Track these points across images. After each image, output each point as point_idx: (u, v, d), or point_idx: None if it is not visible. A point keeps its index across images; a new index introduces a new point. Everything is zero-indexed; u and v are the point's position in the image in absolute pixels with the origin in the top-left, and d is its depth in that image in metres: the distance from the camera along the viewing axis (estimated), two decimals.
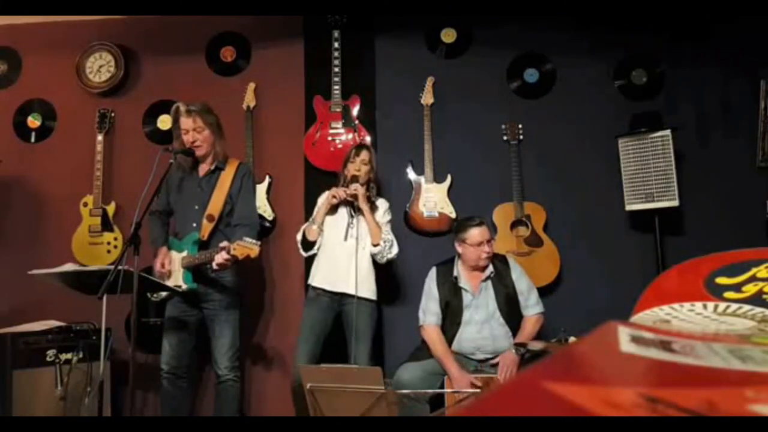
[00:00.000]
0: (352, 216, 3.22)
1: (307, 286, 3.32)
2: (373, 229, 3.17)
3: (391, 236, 3.23)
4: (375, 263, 3.25)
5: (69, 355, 3.23)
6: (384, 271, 3.78)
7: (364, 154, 3.28)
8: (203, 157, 3.13)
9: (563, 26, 3.86)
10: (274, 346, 3.82)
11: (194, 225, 3.10)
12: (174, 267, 3.05)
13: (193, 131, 3.07)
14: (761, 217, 3.67)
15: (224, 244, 2.90)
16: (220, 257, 2.87)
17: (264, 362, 3.81)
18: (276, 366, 3.79)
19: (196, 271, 3.06)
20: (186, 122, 3.06)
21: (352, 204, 3.21)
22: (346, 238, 3.18)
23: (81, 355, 3.24)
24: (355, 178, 3.21)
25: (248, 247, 2.83)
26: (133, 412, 2.67)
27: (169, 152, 2.99)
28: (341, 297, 3.18)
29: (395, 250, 3.24)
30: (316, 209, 3.30)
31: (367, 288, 3.19)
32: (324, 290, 3.20)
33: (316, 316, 3.20)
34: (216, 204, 3.10)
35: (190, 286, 3.02)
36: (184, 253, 3.06)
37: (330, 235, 3.22)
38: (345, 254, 3.17)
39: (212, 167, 3.16)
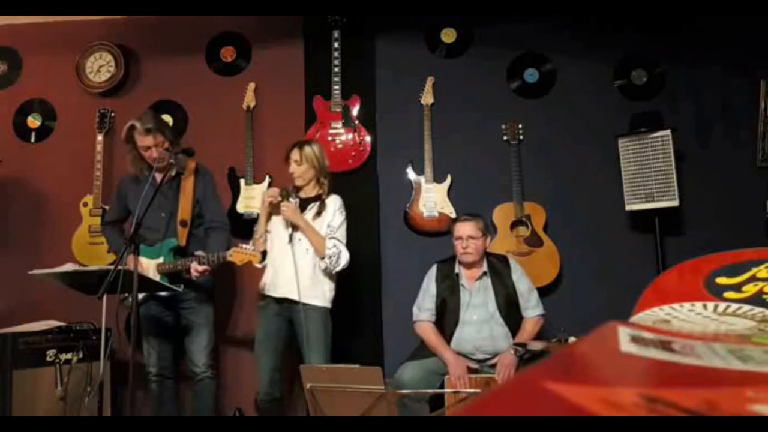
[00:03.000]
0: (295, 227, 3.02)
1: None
2: (314, 242, 2.96)
3: (337, 248, 2.97)
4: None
5: (69, 355, 3.23)
6: (384, 271, 3.80)
7: (296, 154, 3.05)
8: (164, 166, 3.06)
9: (563, 26, 3.86)
10: None
11: (164, 232, 3.11)
12: (149, 273, 3.05)
13: (155, 147, 3.03)
14: (761, 217, 3.66)
15: (200, 253, 2.97)
16: (198, 268, 2.94)
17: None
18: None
19: (171, 274, 3.09)
20: (146, 140, 3.02)
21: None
22: (290, 241, 2.98)
23: (81, 355, 3.25)
24: (295, 188, 3.04)
25: (248, 254, 2.87)
26: (133, 412, 2.67)
27: (167, 153, 2.99)
28: (288, 304, 3.00)
29: (343, 261, 2.99)
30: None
31: (315, 294, 2.99)
32: (272, 297, 3.04)
33: (268, 326, 3.05)
34: (185, 209, 3.13)
35: (177, 287, 3.04)
36: (160, 260, 3.08)
37: (275, 238, 3.06)
38: (289, 258, 2.95)
39: (173, 173, 3.15)
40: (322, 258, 2.96)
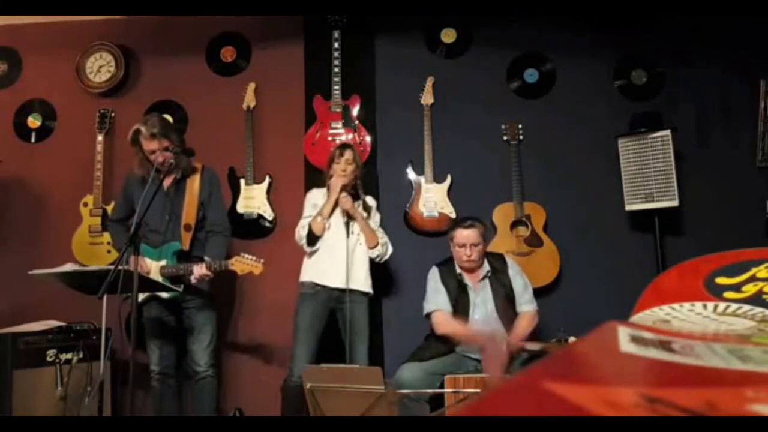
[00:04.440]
0: (349, 216, 3.21)
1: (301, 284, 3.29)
2: (368, 234, 3.19)
3: (385, 238, 3.26)
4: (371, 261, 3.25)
5: (69, 355, 3.23)
6: (384, 271, 3.79)
7: (349, 153, 3.22)
8: (168, 168, 3.06)
9: (563, 26, 3.86)
10: (274, 345, 3.81)
11: (167, 234, 3.12)
12: (151, 274, 3.06)
13: (161, 151, 3.03)
14: (761, 217, 3.66)
15: (204, 259, 3.01)
16: (200, 273, 2.97)
17: (262, 361, 3.81)
18: (278, 365, 3.79)
19: (173, 277, 3.11)
20: (151, 144, 3.03)
21: (347, 213, 3.19)
22: (348, 235, 3.17)
23: (81, 355, 3.25)
24: (344, 187, 3.16)
25: (249, 264, 2.92)
26: (133, 412, 2.67)
27: (169, 153, 2.99)
28: (339, 293, 3.16)
29: (391, 250, 3.28)
30: (309, 206, 3.28)
31: (365, 283, 3.22)
32: (322, 286, 3.19)
33: (314, 313, 3.18)
34: (190, 213, 3.15)
35: (177, 287, 3.05)
36: (163, 263, 3.10)
37: (329, 232, 3.20)
38: (345, 251, 3.15)
39: (178, 176, 3.16)
40: (373, 247, 3.19)
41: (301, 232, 3.22)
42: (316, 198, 3.29)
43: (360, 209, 3.22)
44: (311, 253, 3.23)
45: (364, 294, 3.21)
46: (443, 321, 3.06)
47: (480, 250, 3.06)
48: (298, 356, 3.13)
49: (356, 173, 3.24)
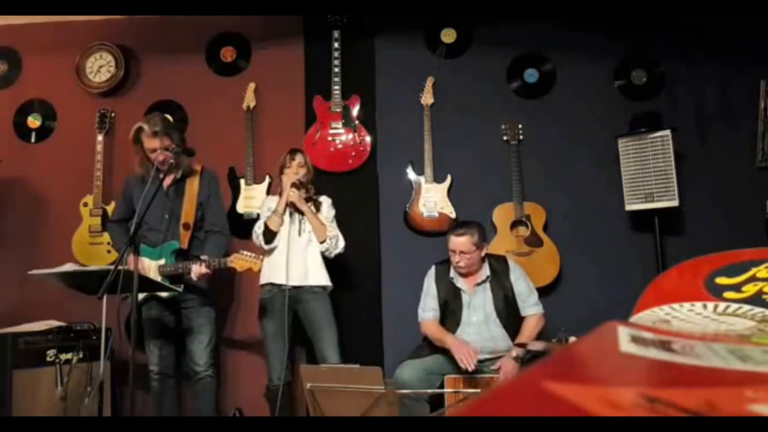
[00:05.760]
0: (301, 213, 3.28)
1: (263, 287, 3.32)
2: (317, 228, 3.25)
3: (335, 232, 3.31)
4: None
5: (69, 355, 3.23)
6: (384, 271, 3.79)
7: (299, 157, 3.34)
8: (169, 168, 3.09)
9: (563, 26, 3.86)
10: None
11: (166, 234, 3.13)
12: (150, 274, 3.06)
13: (162, 150, 3.04)
14: (761, 217, 3.66)
15: (202, 257, 3.00)
16: (199, 271, 2.97)
17: (262, 361, 3.80)
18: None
19: (172, 276, 3.11)
20: (153, 142, 3.04)
21: (295, 206, 3.27)
22: (300, 234, 3.25)
23: (81, 355, 3.25)
24: (294, 185, 3.25)
25: (248, 261, 2.93)
26: (133, 412, 2.67)
27: (170, 152, 3.00)
28: (294, 291, 3.18)
29: (341, 244, 3.30)
30: (265, 209, 3.35)
31: (319, 277, 3.26)
32: (277, 286, 3.21)
33: (274, 316, 3.22)
34: (189, 212, 3.15)
35: (177, 287, 3.05)
36: (161, 262, 3.10)
37: (283, 232, 3.25)
38: (299, 249, 3.23)
39: (178, 176, 3.17)
40: (322, 242, 3.24)
41: (257, 230, 3.29)
42: (270, 202, 3.38)
43: (311, 206, 3.29)
44: (268, 252, 3.27)
45: (322, 287, 3.25)
46: (428, 330, 3.11)
47: (470, 258, 3.01)
48: (271, 361, 3.23)
49: (308, 176, 3.32)
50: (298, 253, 3.22)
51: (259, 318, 3.31)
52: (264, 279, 3.27)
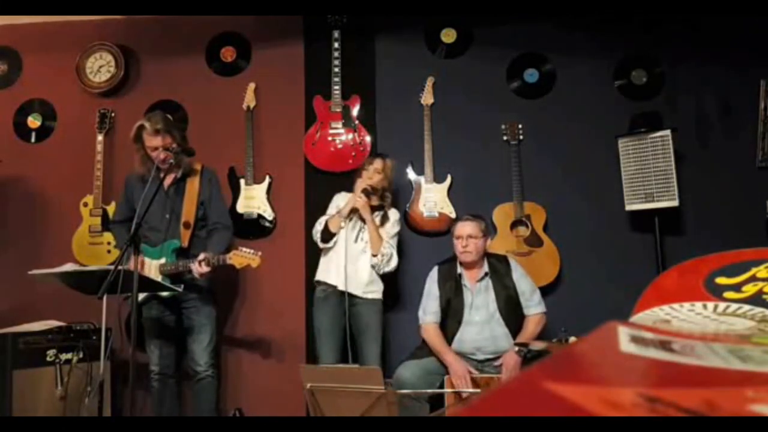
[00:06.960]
0: (364, 221, 3.25)
1: (311, 285, 3.34)
2: (373, 240, 3.21)
3: (391, 250, 3.25)
4: None
5: (69, 355, 3.23)
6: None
7: (377, 163, 3.31)
8: (169, 167, 3.10)
9: (563, 26, 3.86)
10: (274, 345, 3.81)
11: (167, 233, 3.13)
12: (151, 273, 3.06)
13: (163, 148, 3.05)
14: (761, 217, 3.66)
15: (202, 255, 2.99)
16: (200, 269, 2.97)
17: (262, 361, 3.81)
18: (278, 365, 3.79)
19: (173, 275, 3.11)
20: (154, 141, 3.05)
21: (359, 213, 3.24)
22: (356, 240, 3.23)
23: (81, 355, 3.25)
24: (366, 191, 3.21)
25: (247, 257, 2.92)
26: (133, 412, 2.67)
27: (170, 152, 3.00)
28: (350, 297, 3.18)
29: (393, 263, 3.27)
30: (332, 206, 3.33)
31: (374, 288, 3.25)
32: (332, 287, 3.22)
33: (328, 315, 3.22)
34: (189, 211, 3.16)
35: (177, 287, 3.05)
36: (162, 261, 3.10)
37: (343, 235, 3.24)
38: (354, 255, 3.21)
39: (179, 175, 3.18)
40: (374, 255, 3.20)
41: (317, 227, 3.28)
42: (339, 200, 3.35)
43: (377, 218, 3.25)
44: (324, 251, 3.29)
45: (374, 299, 3.24)
46: (428, 336, 3.09)
47: (477, 243, 3.06)
48: (323, 357, 3.20)
49: (383, 184, 3.28)
50: (351, 260, 3.19)
51: (313, 314, 3.31)
52: (319, 275, 3.29)
